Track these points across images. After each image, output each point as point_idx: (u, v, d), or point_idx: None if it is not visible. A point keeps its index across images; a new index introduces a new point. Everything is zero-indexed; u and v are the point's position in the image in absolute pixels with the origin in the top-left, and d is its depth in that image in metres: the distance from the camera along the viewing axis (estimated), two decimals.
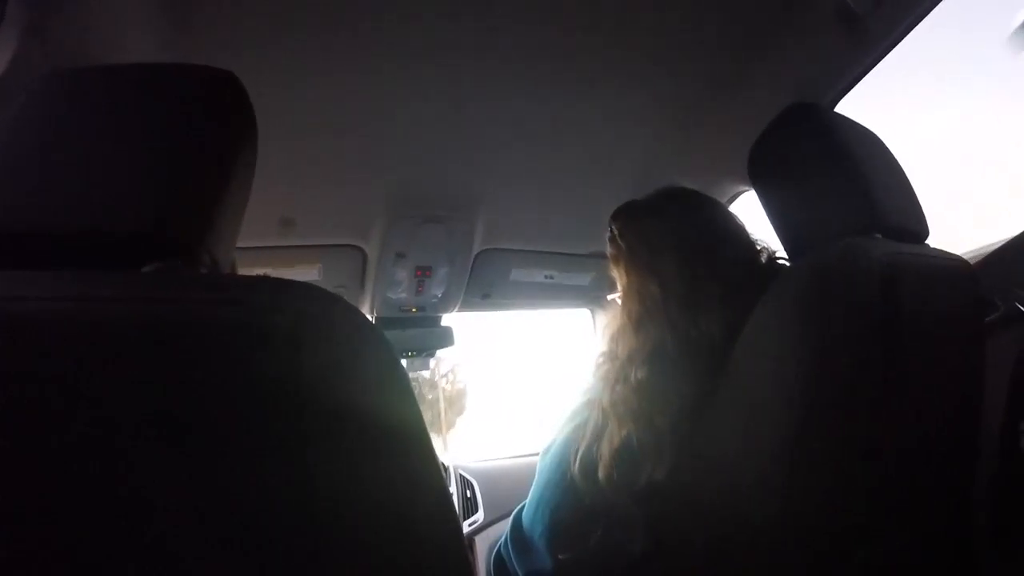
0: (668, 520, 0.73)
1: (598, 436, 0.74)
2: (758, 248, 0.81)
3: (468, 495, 1.56)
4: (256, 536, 0.35)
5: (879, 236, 0.70)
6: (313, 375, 0.36)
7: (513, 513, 0.89)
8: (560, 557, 0.78)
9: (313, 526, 0.35)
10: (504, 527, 1.47)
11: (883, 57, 0.95)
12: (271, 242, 1.28)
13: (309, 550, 0.35)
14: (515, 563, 0.86)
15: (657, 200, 0.86)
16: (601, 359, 0.79)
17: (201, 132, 0.47)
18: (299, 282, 0.39)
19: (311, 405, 0.35)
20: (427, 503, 0.42)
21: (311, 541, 0.35)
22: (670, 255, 0.75)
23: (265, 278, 0.39)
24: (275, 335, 0.35)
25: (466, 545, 0.44)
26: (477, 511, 1.53)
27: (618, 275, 0.83)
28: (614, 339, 0.78)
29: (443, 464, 1.58)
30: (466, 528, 1.49)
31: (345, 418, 0.37)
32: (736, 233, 0.81)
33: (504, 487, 1.60)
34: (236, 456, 0.35)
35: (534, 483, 0.85)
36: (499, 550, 0.92)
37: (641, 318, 0.75)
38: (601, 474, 0.72)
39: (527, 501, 0.86)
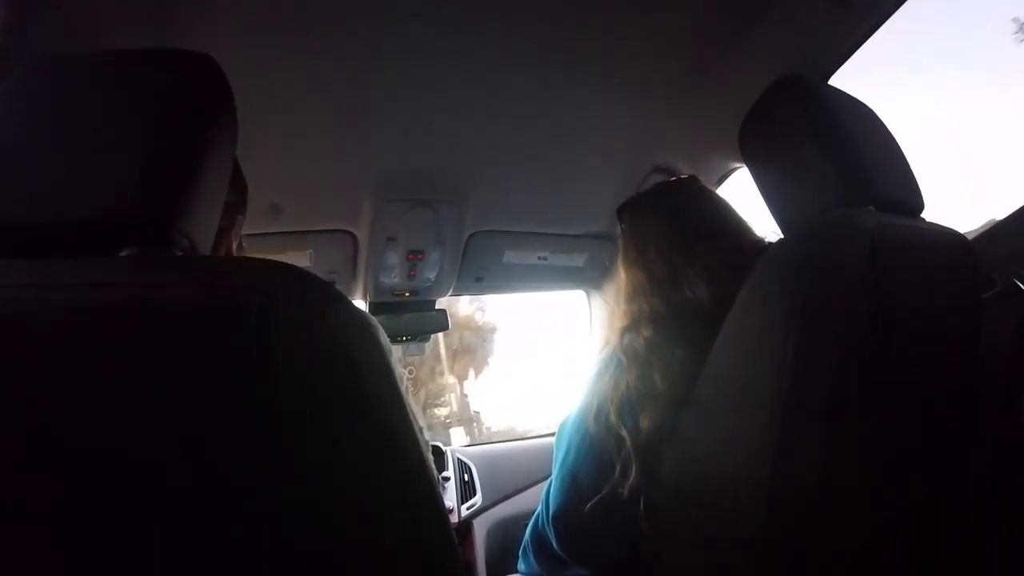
0: (663, 508, 0.73)
1: (608, 384, 0.84)
2: (748, 232, 0.88)
3: (466, 479, 1.57)
4: (232, 516, 0.35)
5: (871, 208, 0.70)
6: (286, 354, 0.35)
7: (544, 488, 0.93)
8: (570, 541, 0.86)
9: (289, 505, 0.35)
10: (501, 511, 1.50)
11: (875, 30, 0.93)
12: (260, 229, 1.27)
13: (284, 529, 0.35)
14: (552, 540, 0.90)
15: (649, 197, 0.99)
16: (609, 331, 0.92)
17: (175, 115, 0.47)
18: (274, 262, 0.39)
19: (284, 384, 0.35)
20: (409, 481, 0.42)
21: (286, 520, 0.35)
22: (655, 246, 0.87)
23: (239, 258, 0.39)
24: (246, 315, 0.35)
25: (452, 527, 0.45)
26: (475, 495, 1.54)
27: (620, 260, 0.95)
28: (617, 311, 0.92)
29: (440, 447, 1.59)
30: (464, 512, 1.50)
31: (320, 397, 0.36)
32: (721, 221, 0.89)
33: (502, 471, 1.61)
34: (213, 436, 0.35)
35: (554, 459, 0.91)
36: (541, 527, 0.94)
37: (632, 295, 0.87)
38: (613, 417, 0.80)
39: (551, 477, 0.91)
